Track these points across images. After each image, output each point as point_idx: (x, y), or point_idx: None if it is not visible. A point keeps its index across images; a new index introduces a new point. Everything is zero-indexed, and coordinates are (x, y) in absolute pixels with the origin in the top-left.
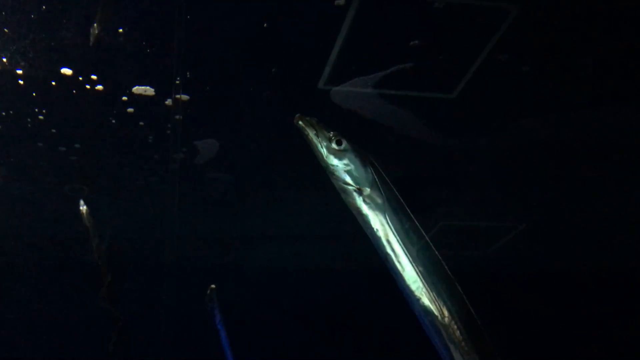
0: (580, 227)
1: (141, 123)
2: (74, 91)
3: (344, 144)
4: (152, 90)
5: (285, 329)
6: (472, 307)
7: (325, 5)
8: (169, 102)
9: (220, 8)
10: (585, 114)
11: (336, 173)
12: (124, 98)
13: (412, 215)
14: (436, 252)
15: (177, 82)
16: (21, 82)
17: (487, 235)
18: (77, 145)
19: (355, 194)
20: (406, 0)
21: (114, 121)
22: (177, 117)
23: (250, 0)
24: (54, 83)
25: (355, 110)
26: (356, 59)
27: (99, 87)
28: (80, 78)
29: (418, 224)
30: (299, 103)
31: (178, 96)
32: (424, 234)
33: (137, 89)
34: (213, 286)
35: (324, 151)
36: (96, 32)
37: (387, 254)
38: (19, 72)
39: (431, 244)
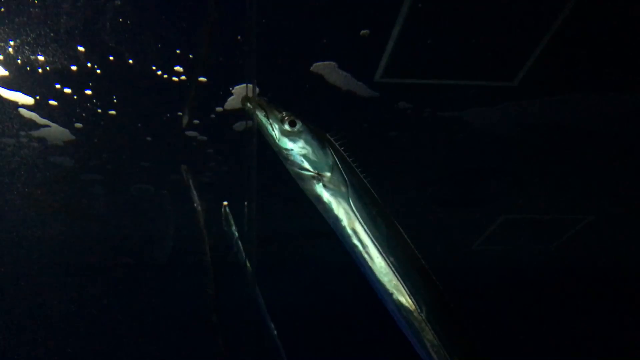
0: None
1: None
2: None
3: (298, 125)
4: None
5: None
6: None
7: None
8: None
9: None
10: None
11: (291, 157)
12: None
13: (379, 201)
14: (408, 240)
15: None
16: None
17: (552, 228)
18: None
19: (313, 180)
20: None
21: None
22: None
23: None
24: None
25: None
26: (413, 49)
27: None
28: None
29: (386, 210)
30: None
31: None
32: (394, 220)
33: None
34: (226, 203)
35: (275, 134)
36: (186, 119)
37: (353, 245)
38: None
39: (402, 231)
